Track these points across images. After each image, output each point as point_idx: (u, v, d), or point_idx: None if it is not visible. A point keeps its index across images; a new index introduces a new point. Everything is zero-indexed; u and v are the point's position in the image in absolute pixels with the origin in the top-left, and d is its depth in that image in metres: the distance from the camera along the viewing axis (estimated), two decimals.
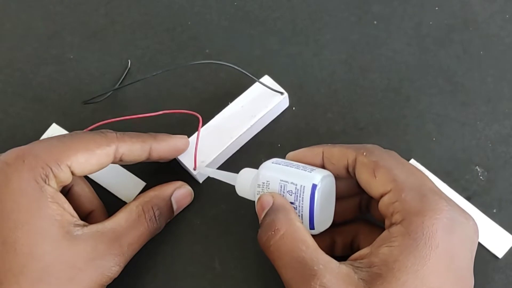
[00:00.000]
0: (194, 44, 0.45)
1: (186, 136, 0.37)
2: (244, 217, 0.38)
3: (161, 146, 0.35)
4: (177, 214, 0.37)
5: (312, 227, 0.32)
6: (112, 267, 0.31)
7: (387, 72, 0.43)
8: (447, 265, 0.27)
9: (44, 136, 0.41)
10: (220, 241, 0.37)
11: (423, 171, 0.34)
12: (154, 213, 0.34)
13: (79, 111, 0.42)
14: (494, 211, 0.38)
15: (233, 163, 0.40)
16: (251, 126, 0.39)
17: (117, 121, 0.38)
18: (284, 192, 0.32)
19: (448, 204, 0.29)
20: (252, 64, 0.43)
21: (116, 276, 0.31)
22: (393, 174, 0.30)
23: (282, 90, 0.40)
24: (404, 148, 0.40)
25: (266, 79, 0.40)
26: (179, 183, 0.37)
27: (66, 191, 0.35)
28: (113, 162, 0.34)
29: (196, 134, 0.38)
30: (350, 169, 0.32)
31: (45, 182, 0.30)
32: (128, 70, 0.44)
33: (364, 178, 0.31)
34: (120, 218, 0.32)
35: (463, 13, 0.45)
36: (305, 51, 0.44)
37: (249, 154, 0.40)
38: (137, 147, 0.34)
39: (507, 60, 0.43)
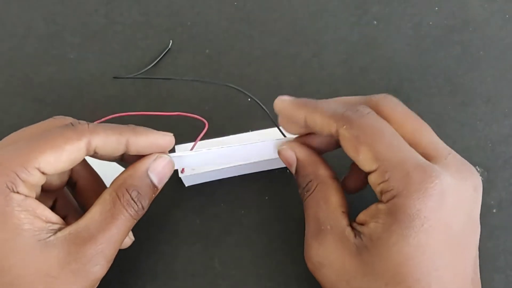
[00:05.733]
0: (194, 44, 0.45)
1: (171, 134, 0.34)
2: (244, 217, 0.38)
3: (140, 141, 0.32)
4: (177, 214, 0.37)
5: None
6: (92, 268, 0.29)
7: (387, 72, 0.43)
8: (438, 237, 0.27)
9: None
10: (220, 241, 0.37)
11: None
12: (130, 195, 0.31)
13: (79, 111, 0.42)
14: (494, 211, 0.38)
15: None
16: (251, 163, 0.37)
17: (128, 115, 0.37)
18: None
19: (435, 176, 0.28)
20: (252, 64, 0.44)
21: (101, 275, 0.30)
22: (375, 152, 0.29)
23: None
24: None
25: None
26: (155, 155, 0.33)
27: (73, 185, 0.34)
28: (90, 155, 0.32)
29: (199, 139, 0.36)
30: (337, 139, 0.31)
31: (12, 190, 0.28)
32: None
33: (350, 154, 0.30)
34: (93, 213, 0.30)
35: (463, 13, 0.45)
36: (305, 51, 0.44)
37: None
38: (112, 140, 0.31)
39: (507, 60, 0.43)
